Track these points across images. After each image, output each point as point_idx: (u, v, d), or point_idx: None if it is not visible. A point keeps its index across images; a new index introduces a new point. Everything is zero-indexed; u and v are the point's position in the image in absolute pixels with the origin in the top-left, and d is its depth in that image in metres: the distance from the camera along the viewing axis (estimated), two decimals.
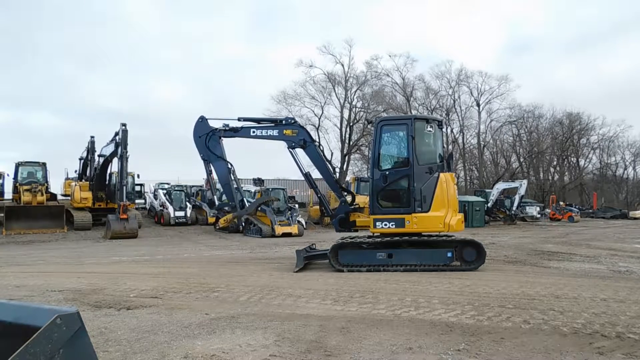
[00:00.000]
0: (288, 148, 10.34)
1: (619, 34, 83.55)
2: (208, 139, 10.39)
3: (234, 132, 10.39)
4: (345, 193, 10.63)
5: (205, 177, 35.62)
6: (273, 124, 10.48)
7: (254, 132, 10.32)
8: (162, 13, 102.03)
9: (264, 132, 10.32)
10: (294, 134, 10.10)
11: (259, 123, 10.54)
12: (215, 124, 10.61)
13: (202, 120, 10.55)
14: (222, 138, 10.52)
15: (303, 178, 11.09)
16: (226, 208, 10.66)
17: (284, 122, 10.40)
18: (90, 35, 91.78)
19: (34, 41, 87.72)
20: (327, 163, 10.85)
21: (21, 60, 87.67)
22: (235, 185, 10.60)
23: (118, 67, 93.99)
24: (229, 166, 10.66)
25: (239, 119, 10.41)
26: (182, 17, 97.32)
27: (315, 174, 11.91)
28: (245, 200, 22.64)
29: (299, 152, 10.39)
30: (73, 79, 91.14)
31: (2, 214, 20.07)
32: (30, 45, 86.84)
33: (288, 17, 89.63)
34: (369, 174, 12.40)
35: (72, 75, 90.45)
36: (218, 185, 32.51)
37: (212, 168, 10.56)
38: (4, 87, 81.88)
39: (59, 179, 31.08)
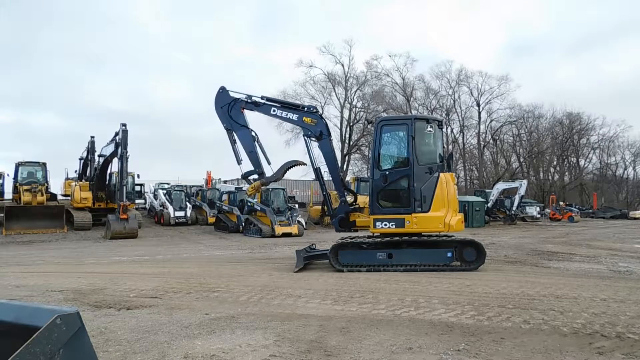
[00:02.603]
0: (304, 136, 10.33)
1: (619, 35, 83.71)
2: (230, 109, 10.27)
3: (255, 105, 10.30)
4: (348, 193, 10.60)
5: (205, 177, 35.55)
6: (295, 108, 10.39)
7: (274, 111, 10.23)
8: (164, 14, 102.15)
9: (283, 114, 10.24)
10: (313, 123, 10.00)
11: (279, 103, 10.47)
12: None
13: (222, 91, 10.44)
14: (244, 109, 10.40)
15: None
16: (255, 176, 10.30)
17: (305, 109, 10.29)
18: (94, 36, 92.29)
19: (38, 42, 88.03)
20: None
21: (25, 61, 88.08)
22: (260, 153, 10.41)
23: (121, 67, 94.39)
24: (253, 134, 10.48)
25: (262, 97, 10.35)
26: (183, 18, 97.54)
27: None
28: (246, 200, 22.63)
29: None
30: (76, 80, 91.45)
31: (2, 214, 20.07)
32: (34, 46, 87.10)
33: (288, 17, 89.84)
34: (369, 174, 12.36)
35: (75, 76, 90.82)
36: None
37: (236, 137, 10.39)
38: (7, 87, 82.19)
39: (59, 179, 31.15)
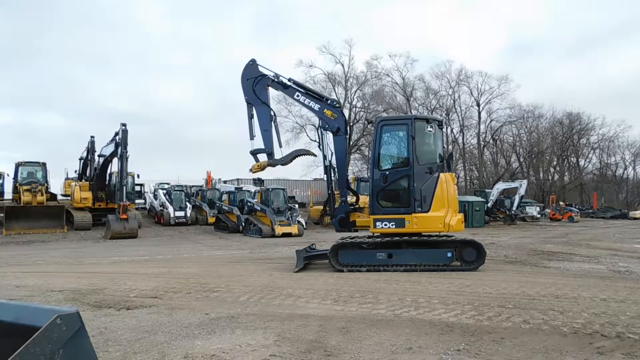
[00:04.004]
0: (320, 127, 10.35)
1: (619, 35, 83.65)
2: (256, 83, 10.21)
3: (282, 86, 10.27)
4: (350, 193, 10.57)
5: (203, 178, 35.45)
6: (318, 98, 10.32)
7: (298, 95, 10.21)
8: (164, 15, 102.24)
9: (306, 101, 10.18)
10: (333, 117, 9.93)
11: (305, 90, 10.44)
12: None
13: (252, 63, 10.38)
14: (269, 87, 10.35)
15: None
16: (263, 155, 10.17)
17: (329, 101, 10.24)
18: (98, 37, 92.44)
19: (40, 43, 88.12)
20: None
21: (29, 62, 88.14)
22: (275, 134, 10.37)
23: (122, 68, 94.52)
24: (272, 113, 10.41)
25: (289, 80, 10.34)
26: (184, 19, 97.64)
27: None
28: (246, 201, 22.62)
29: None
30: (78, 80, 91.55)
31: (2, 214, 20.07)
32: (36, 46, 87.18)
33: (288, 17, 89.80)
34: (369, 174, 12.32)
35: (77, 76, 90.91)
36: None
37: (254, 112, 10.30)
38: (9, 87, 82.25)
39: (59, 179, 31.15)
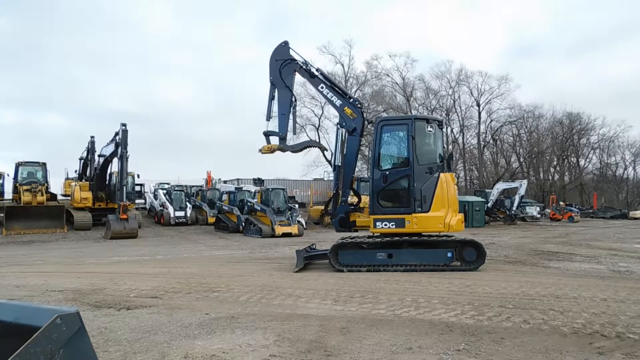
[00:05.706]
0: (337, 124, 10.39)
1: (619, 35, 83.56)
2: (283, 66, 10.18)
3: (308, 74, 10.26)
4: (352, 193, 10.56)
5: (204, 177, 35.43)
6: (342, 95, 10.31)
7: (322, 87, 10.21)
8: (166, 16, 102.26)
9: (329, 95, 10.18)
10: (352, 116, 9.90)
11: (331, 83, 10.43)
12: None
13: (284, 45, 10.36)
14: (296, 72, 10.34)
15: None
16: (275, 139, 10.06)
17: (351, 100, 10.23)
18: (98, 37, 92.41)
19: (44, 44, 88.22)
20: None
21: (30, 63, 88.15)
22: (291, 120, 10.31)
23: (122, 68, 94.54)
24: (293, 99, 10.37)
25: (317, 70, 10.40)
26: (185, 20, 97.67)
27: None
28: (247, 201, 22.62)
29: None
30: (81, 81, 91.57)
31: (2, 214, 20.07)
32: (39, 48, 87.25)
33: (289, 18, 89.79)
34: (369, 174, 12.30)
35: (80, 77, 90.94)
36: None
37: (276, 94, 10.26)
38: (12, 89, 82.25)
39: (60, 179, 31.15)
